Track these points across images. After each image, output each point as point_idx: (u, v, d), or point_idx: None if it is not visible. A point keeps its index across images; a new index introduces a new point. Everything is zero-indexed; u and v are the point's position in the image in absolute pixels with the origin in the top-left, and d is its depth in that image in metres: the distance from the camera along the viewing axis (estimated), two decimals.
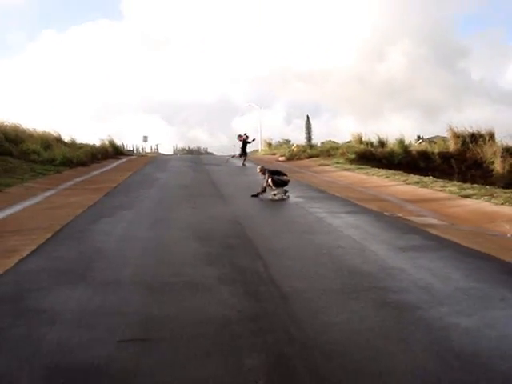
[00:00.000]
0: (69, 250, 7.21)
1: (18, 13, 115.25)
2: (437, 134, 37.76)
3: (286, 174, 13.35)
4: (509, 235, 8.47)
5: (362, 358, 3.59)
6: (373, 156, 29.01)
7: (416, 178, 16.96)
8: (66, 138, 31.64)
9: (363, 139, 33.68)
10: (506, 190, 12.95)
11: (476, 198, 12.13)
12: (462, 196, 12.68)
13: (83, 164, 25.05)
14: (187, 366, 3.48)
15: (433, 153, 29.77)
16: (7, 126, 26.25)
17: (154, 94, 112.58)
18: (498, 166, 27.57)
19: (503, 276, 5.80)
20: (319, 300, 4.80)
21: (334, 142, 39.98)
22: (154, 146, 53.06)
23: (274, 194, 12.82)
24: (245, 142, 26.52)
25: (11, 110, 74.06)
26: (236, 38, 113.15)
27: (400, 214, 10.49)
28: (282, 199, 12.65)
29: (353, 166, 22.74)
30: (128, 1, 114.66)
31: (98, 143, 34.63)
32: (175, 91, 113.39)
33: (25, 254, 6.83)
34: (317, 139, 44.71)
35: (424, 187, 14.84)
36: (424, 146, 32.69)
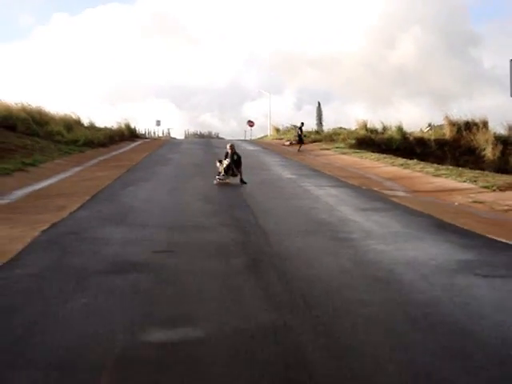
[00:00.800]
0: (106, 206, 9.38)
1: None
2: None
3: (241, 171, 12.80)
4: (456, 203, 10.49)
5: (306, 261, 5.69)
6: (372, 141, 30.85)
7: (402, 160, 18.94)
8: (85, 121, 33.84)
9: (368, 126, 35.53)
10: (473, 171, 14.93)
11: (445, 177, 14.12)
12: (434, 175, 14.67)
13: (103, 145, 27.19)
14: (196, 262, 5.60)
15: (429, 139, 31.58)
16: (32, 109, 28.38)
17: (165, 78, 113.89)
18: (489, 153, 29.36)
19: (431, 227, 7.84)
20: (288, 235, 6.92)
21: (343, 128, 41.42)
22: (165, 131, 54.44)
23: (220, 179, 12.61)
24: (301, 130, 29.17)
25: (25, 92, 76.11)
26: (247, 23, 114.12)
27: (376, 188, 12.52)
28: (225, 182, 12.52)
29: (350, 151, 24.71)
30: None
31: (113, 126, 36.73)
32: (185, 76, 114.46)
33: (73, 209, 8.99)
34: (328, 125, 46.15)
35: (406, 168, 16.84)
36: (423, 132, 34.39)
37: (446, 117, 32.52)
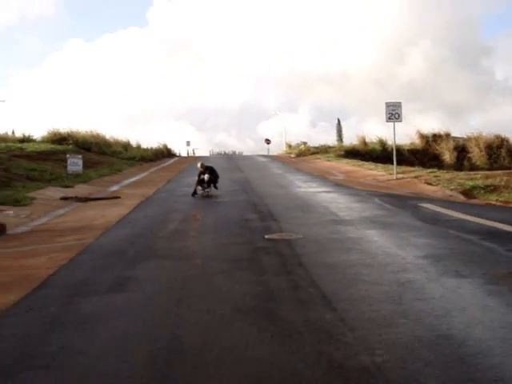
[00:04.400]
0: (177, 183, 18.63)
1: (44, 23, 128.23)
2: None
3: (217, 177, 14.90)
4: (362, 180, 19.33)
5: (265, 191, 14.74)
6: (357, 152, 39.67)
7: (361, 162, 27.74)
8: (133, 143, 43.39)
9: (366, 140, 44.31)
10: (397, 166, 23.64)
11: (375, 170, 22.90)
12: (371, 169, 23.47)
13: (152, 160, 36.64)
14: (224, 192, 14.70)
15: (404, 149, 40.23)
16: (98, 134, 38.13)
17: (182, 100, 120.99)
18: (447, 158, 37.87)
19: (331, 185, 16.73)
20: (262, 186, 16.04)
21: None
22: (190, 151, 58.36)
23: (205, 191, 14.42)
24: None
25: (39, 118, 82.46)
26: (259, 43, 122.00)
27: (327, 176, 21.40)
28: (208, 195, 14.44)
29: (334, 159, 33.55)
30: (154, 8, 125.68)
31: (152, 147, 46.16)
32: (200, 97, 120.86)
33: (162, 185, 18.22)
34: (348, 141, 53.24)
35: (359, 167, 25.62)
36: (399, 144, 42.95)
37: (417, 131, 41.21)
